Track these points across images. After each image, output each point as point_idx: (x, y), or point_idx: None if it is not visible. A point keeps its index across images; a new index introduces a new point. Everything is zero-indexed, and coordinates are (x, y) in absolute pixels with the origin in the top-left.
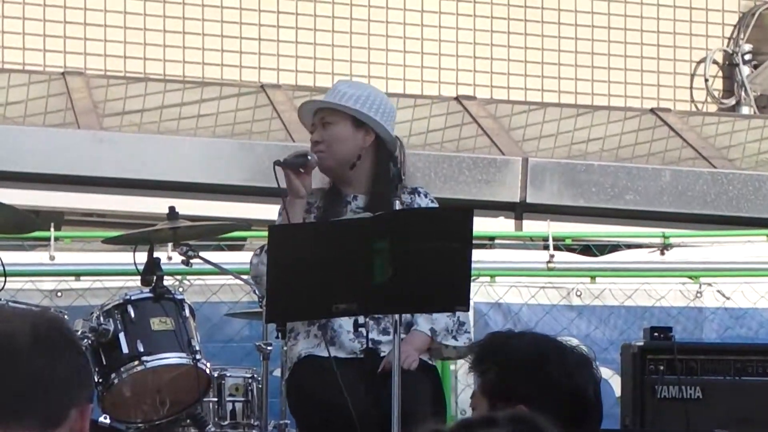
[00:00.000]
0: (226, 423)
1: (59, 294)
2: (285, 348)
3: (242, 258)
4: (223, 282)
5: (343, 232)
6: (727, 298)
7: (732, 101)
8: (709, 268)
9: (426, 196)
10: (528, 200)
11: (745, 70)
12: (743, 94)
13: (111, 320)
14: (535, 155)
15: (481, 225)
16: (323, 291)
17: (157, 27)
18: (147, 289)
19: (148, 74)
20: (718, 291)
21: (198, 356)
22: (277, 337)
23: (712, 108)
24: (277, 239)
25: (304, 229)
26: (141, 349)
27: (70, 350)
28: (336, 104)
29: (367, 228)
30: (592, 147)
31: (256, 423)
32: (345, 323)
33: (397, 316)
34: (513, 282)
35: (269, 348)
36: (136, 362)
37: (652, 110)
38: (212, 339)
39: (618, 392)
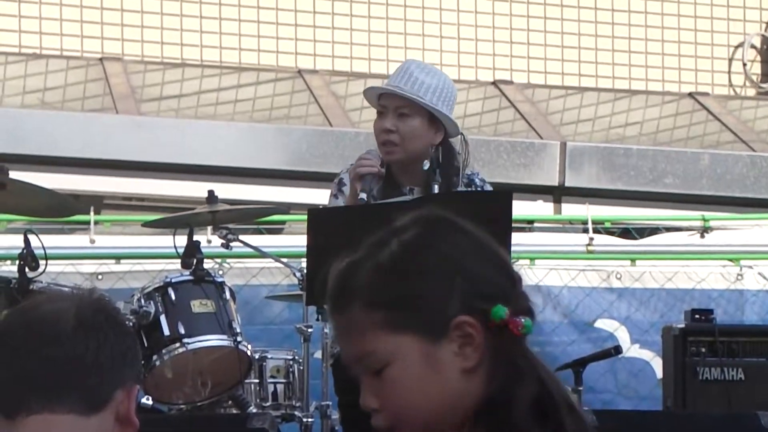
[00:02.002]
0: (267, 404)
1: (100, 277)
2: (327, 330)
3: (281, 241)
4: (262, 265)
5: (382, 214)
6: None
7: None
8: (750, 251)
9: (483, 182)
10: (566, 184)
11: None
12: None
13: (152, 302)
14: (573, 139)
15: (520, 208)
16: None
17: (193, 13)
18: (187, 272)
19: (186, 60)
20: (759, 273)
21: (239, 338)
22: (317, 320)
23: (751, 92)
24: (316, 222)
25: (343, 212)
26: (182, 331)
27: (115, 331)
28: (419, 100)
29: (407, 210)
30: (630, 131)
31: (297, 404)
32: None
33: None
34: (552, 265)
35: (310, 330)
36: (178, 344)
37: (690, 94)
38: (252, 322)
39: (659, 374)
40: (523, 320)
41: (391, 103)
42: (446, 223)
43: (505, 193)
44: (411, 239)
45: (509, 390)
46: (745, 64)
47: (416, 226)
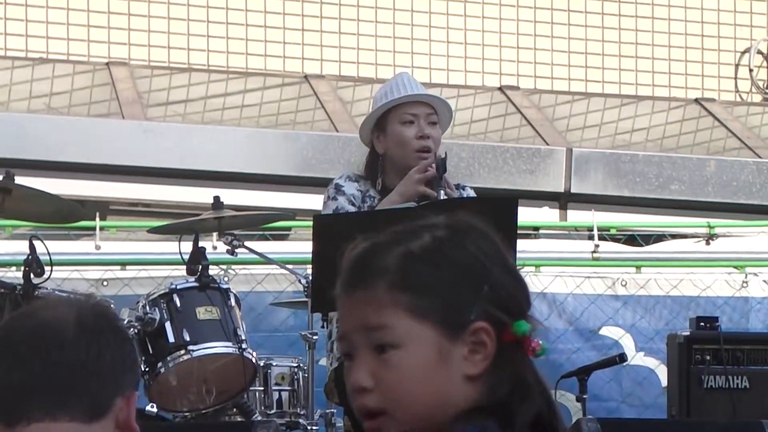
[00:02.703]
0: (272, 412)
1: (105, 283)
2: (332, 337)
3: (287, 248)
4: (268, 271)
5: (387, 221)
6: None
7: None
8: (755, 258)
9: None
10: (572, 190)
11: None
12: None
13: (157, 309)
14: (579, 145)
15: (526, 215)
16: None
17: (200, 17)
18: (192, 279)
19: (192, 64)
20: (764, 281)
21: (244, 345)
22: (322, 327)
23: (757, 98)
24: (321, 229)
25: (348, 218)
26: (187, 338)
27: (115, 338)
28: (448, 113)
29: (411, 217)
30: (636, 137)
31: (302, 412)
32: None
33: None
34: (558, 272)
35: (315, 337)
36: (183, 351)
37: (696, 100)
38: (257, 328)
39: (664, 382)
40: (541, 342)
41: (422, 111)
42: (478, 231)
43: (510, 200)
44: (444, 236)
45: (513, 404)
46: (751, 70)
47: (448, 226)
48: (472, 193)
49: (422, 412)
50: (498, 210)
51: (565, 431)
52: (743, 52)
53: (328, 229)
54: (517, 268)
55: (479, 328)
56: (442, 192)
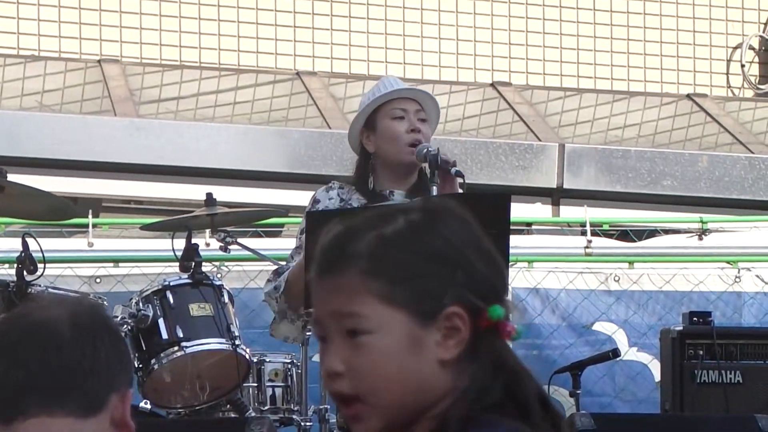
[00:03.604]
0: (266, 408)
1: (98, 280)
2: None
3: (280, 244)
4: (261, 268)
5: None
6: (766, 283)
7: None
8: (748, 253)
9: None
10: (565, 186)
11: None
12: None
13: (150, 306)
14: (571, 141)
15: (519, 211)
16: None
17: (192, 14)
18: (185, 275)
19: (184, 62)
20: (757, 276)
21: (237, 342)
22: None
23: (749, 93)
24: (314, 225)
25: (341, 214)
26: (180, 334)
27: (109, 337)
28: (435, 109)
29: None
30: (628, 133)
31: (296, 408)
32: None
33: None
34: (551, 267)
35: (308, 334)
36: (176, 348)
37: (688, 96)
38: (251, 325)
39: (657, 377)
40: (516, 326)
41: (411, 107)
42: (454, 215)
43: (503, 196)
44: (419, 220)
45: (511, 389)
46: (743, 66)
47: (424, 209)
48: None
49: (396, 397)
50: (491, 206)
51: (559, 416)
52: (735, 48)
53: (320, 226)
54: (504, 259)
55: (452, 313)
56: (435, 188)
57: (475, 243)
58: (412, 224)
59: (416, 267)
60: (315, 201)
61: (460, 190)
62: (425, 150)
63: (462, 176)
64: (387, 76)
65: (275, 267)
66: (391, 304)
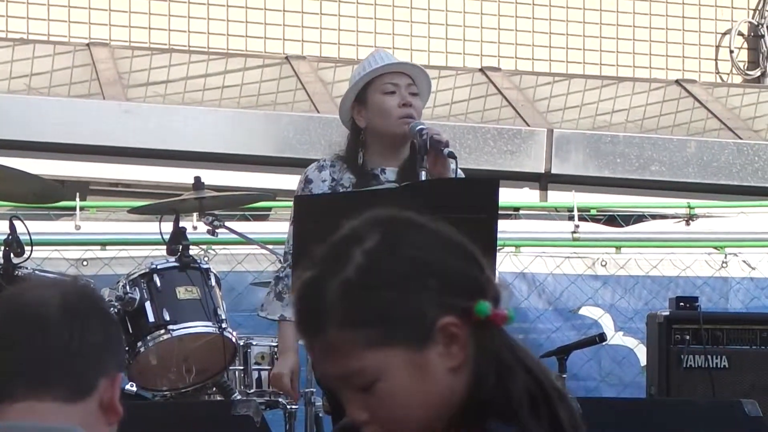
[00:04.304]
0: (252, 391)
1: (85, 263)
2: None
3: (268, 228)
4: (248, 251)
5: (369, 202)
6: (753, 268)
7: (757, 73)
8: (735, 239)
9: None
10: (553, 171)
11: None
12: None
13: (137, 289)
14: (559, 126)
15: (506, 196)
16: None
17: None
18: (173, 259)
19: (173, 45)
20: (744, 261)
21: (224, 325)
22: None
23: (737, 79)
24: (303, 209)
25: (329, 199)
26: (167, 317)
27: (100, 319)
28: (427, 83)
29: (393, 199)
30: (616, 118)
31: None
32: None
33: None
34: (538, 252)
35: None
36: (163, 331)
37: (677, 81)
38: (237, 308)
39: (643, 361)
40: (506, 311)
41: (403, 81)
42: (405, 223)
43: (491, 181)
44: (374, 247)
45: (500, 384)
46: (732, 52)
47: (375, 231)
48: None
49: (423, 419)
50: (479, 191)
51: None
52: (724, 34)
53: (309, 210)
54: (492, 244)
55: (445, 324)
56: (423, 172)
57: (437, 243)
58: (368, 255)
59: (387, 300)
60: (307, 180)
61: (452, 173)
62: (419, 127)
63: (455, 157)
64: (378, 50)
65: (262, 250)
66: (381, 347)
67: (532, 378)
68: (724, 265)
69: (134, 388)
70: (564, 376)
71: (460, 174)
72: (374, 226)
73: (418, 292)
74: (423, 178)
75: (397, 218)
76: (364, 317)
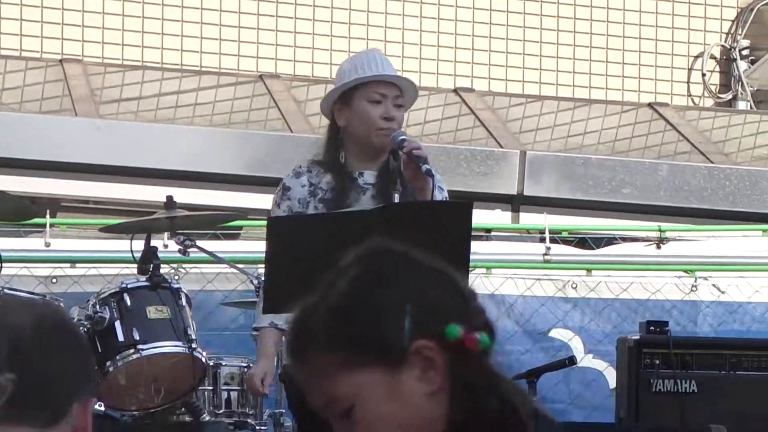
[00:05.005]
0: (221, 412)
1: (54, 280)
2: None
3: (238, 247)
4: (218, 270)
5: (342, 224)
6: (722, 292)
7: (729, 96)
8: (705, 262)
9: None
10: (525, 193)
11: (743, 65)
12: (740, 89)
13: (107, 308)
14: (532, 148)
15: (478, 217)
16: None
17: (155, 15)
18: (143, 278)
19: (146, 62)
20: (714, 285)
21: (194, 345)
22: None
23: (709, 103)
24: (276, 230)
25: (303, 221)
26: (137, 337)
27: (72, 344)
28: (414, 95)
29: (367, 221)
30: (589, 140)
31: (251, 412)
32: None
33: None
34: (509, 274)
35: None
36: (132, 350)
37: (649, 104)
38: (207, 327)
39: (612, 384)
40: (479, 336)
41: (391, 92)
42: (389, 254)
43: (465, 204)
44: (356, 276)
45: (472, 410)
46: (704, 75)
47: (360, 262)
48: (438, 177)
49: None
50: (453, 214)
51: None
52: (696, 57)
53: (282, 231)
54: (464, 267)
55: (419, 347)
56: (396, 195)
57: (418, 271)
58: (350, 283)
59: (364, 324)
60: (285, 189)
61: (432, 188)
62: (401, 138)
63: (432, 176)
64: (373, 51)
65: (232, 270)
66: (357, 370)
67: (507, 406)
68: (694, 288)
69: (102, 408)
70: (534, 399)
71: (445, 191)
72: (360, 258)
73: (394, 316)
74: (396, 200)
75: (381, 250)
76: (342, 340)
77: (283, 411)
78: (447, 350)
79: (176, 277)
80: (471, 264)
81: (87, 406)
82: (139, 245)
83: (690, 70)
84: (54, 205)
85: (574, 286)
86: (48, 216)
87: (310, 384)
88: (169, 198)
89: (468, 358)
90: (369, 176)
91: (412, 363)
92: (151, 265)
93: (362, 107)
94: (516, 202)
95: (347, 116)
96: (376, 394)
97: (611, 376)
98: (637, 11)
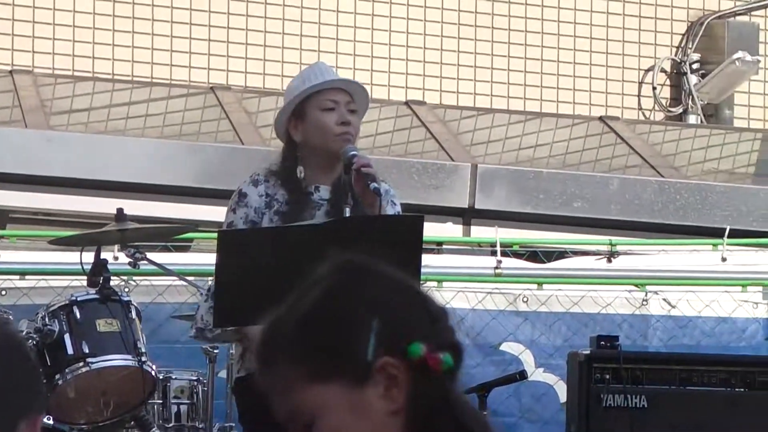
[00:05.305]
0: (170, 425)
1: (3, 292)
2: (232, 350)
3: (188, 259)
4: (169, 283)
5: (293, 238)
6: (673, 307)
7: (679, 110)
8: (655, 276)
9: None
10: (476, 206)
11: (693, 79)
12: (690, 102)
13: (56, 321)
14: (483, 161)
15: (429, 230)
16: (273, 296)
17: (106, 26)
18: (93, 291)
19: (97, 73)
20: (664, 299)
21: (144, 358)
22: None
23: (660, 116)
24: (227, 243)
25: (254, 234)
26: (86, 350)
27: (18, 358)
28: (365, 100)
29: (318, 235)
30: (540, 153)
31: (201, 426)
32: None
33: None
34: (460, 287)
35: (215, 351)
36: (81, 363)
37: (600, 118)
38: (157, 339)
39: (563, 398)
40: (442, 356)
41: (342, 98)
42: (360, 269)
43: (416, 218)
44: (325, 289)
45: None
46: (655, 88)
47: (331, 275)
48: (392, 192)
49: None
50: (404, 228)
51: None
52: (647, 71)
53: (233, 245)
54: (417, 283)
55: (384, 364)
56: (347, 209)
57: (388, 288)
58: (319, 296)
59: (331, 337)
60: (242, 195)
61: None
62: (351, 152)
63: (379, 194)
64: (318, 63)
65: (182, 282)
66: (321, 382)
67: (452, 420)
68: (645, 303)
69: (51, 422)
70: (485, 413)
71: (398, 205)
72: (331, 271)
73: (360, 331)
74: (348, 214)
75: (352, 264)
76: (309, 351)
77: (233, 424)
78: (411, 369)
79: (126, 290)
80: (422, 277)
81: (35, 422)
82: (89, 257)
83: (641, 83)
84: (3, 216)
85: (525, 299)
86: None
87: (275, 394)
88: (120, 210)
89: (430, 378)
90: (324, 191)
91: (377, 380)
92: (101, 278)
93: (316, 116)
94: (467, 215)
95: (303, 129)
96: (338, 409)
97: (562, 390)
98: (587, 24)
